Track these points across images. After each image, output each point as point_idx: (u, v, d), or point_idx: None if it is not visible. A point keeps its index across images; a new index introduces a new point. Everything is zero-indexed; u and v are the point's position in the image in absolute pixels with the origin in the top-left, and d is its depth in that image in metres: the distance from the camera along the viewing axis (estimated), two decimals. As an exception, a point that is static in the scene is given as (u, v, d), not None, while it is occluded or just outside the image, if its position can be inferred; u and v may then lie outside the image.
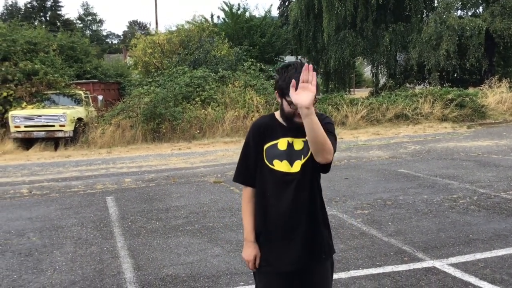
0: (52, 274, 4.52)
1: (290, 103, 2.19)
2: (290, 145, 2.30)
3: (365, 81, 55.86)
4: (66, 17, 63.00)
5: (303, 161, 2.28)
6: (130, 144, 14.66)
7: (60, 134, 14.47)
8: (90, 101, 16.53)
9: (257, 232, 2.39)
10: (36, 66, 16.03)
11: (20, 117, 14.41)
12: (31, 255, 5.08)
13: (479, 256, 4.58)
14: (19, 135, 14.46)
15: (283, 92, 2.24)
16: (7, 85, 15.54)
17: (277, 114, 2.39)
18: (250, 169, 2.39)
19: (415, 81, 25.77)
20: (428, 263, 4.45)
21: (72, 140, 14.73)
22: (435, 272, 4.23)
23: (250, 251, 2.38)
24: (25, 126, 14.42)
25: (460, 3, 23.79)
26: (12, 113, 14.51)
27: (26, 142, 14.69)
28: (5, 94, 15.39)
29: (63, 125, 14.43)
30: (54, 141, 14.71)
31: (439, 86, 21.01)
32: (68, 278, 4.42)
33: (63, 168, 11.10)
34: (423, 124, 16.98)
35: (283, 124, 2.34)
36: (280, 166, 2.30)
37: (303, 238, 2.31)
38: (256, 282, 2.46)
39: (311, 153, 2.21)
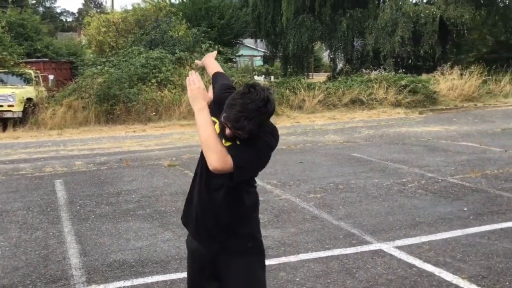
0: (-6, 260, 4.36)
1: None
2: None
3: (323, 66, 56.25)
4: (16, -8, 60.17)
5: None
6: (82, 126, 14.26)
7: (8, 115, 13.93)
8: (41, 80, 15.95)
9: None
10: (-18, 43, 15.32)
11: (-35, 96, 13.76)
12: (-29, 241, 4.88)
13: (424, 239, 4.72)
14: (-36, 115, 13.83)
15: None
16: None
17: None
18: None
19: (371, 66, 26.10)
20: (375, 246, 4.55)
21: (21, 121, 14.22)
22: (381, 255, 4.34)
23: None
24: (-29, 106, 13.80)
25: (415, -10, 24.24)
26: (-44, 91, 13.85)
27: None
28: None
29: (12, 105, 13.89)
30: (2, 122, 14.13)
31: (394, 72, 21.41)
32: (11, 263, 4.27)
33: (11, 150, 10.69)
34: (378, 109, 17.30)
35: None
36: None
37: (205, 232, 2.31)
38: None
39: None
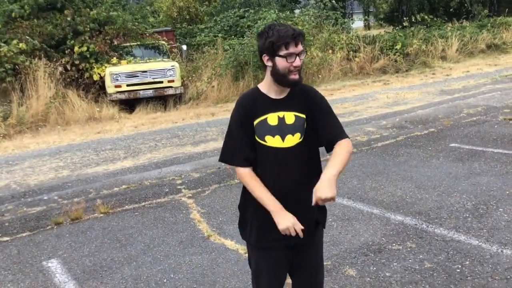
0: None
1: (287, 55, 2.07)
2: (281, 119, 2.19)
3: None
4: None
5: (298, 140, 2.20)
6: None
7: (170, 92, 12.37)
8: (177, 52, 14.32)
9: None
10: (112, 13, 13.29)
11: (120, 74, 12.05)
12: None
13: None
14: (122, 96, 12.13)
15: (274, 48, 2.08)
16: (82, 38, 12.81)
17: (262, 87, 2.24)
18: (246, 148, 2.21)
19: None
20: None
21: (180, 97, 12.73)
22: None
23: (288, 217, 2.15)
24: (128, 85, 12.13)
25: None
26: (110, 69, 12.07)
27: (126, 104, 12.44)
28: (79, 49, 12.62)
29: (172, 81, 12.33)
30: (163, 100, 12.57)
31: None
32: None
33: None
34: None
35: (270, 98, 2.21)
36: (273, 141, 2.18)
37: (298, 213, 2.18)
38: (250, 256, 2.41)
39: (307, 133, 2.20)
